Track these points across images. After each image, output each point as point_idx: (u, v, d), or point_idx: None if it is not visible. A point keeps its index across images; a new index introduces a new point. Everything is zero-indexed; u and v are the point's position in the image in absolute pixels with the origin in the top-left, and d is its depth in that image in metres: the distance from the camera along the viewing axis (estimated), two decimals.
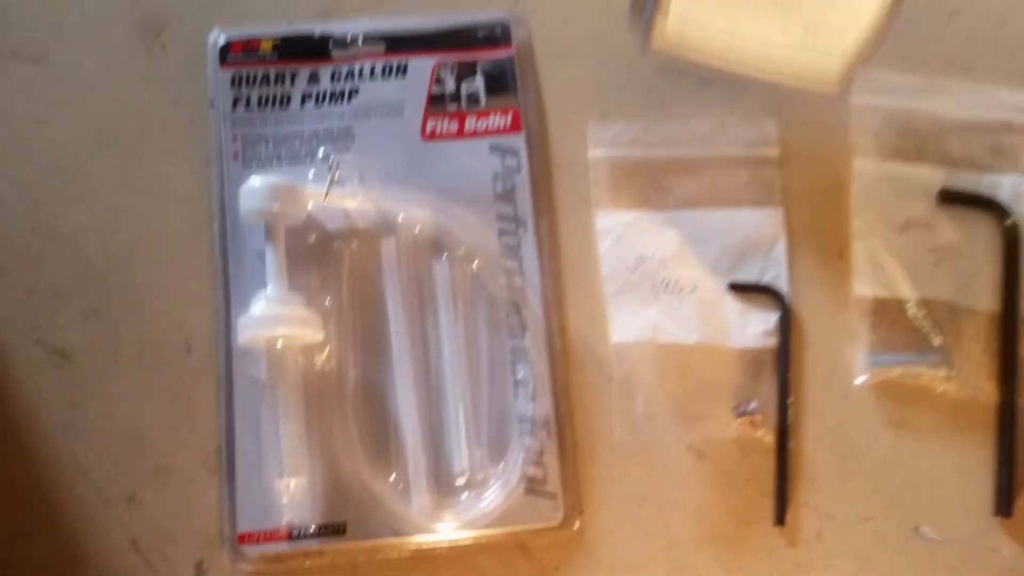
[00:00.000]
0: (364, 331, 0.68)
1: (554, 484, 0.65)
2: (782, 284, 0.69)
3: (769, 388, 0.67)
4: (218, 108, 0.71)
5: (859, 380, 0.68)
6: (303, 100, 0.71)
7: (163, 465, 0.66)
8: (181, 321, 0.69)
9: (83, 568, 0.65)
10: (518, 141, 0.71)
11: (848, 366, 0.68)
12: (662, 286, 0.68)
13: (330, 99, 0.71)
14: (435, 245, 0.69)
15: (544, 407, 0.66)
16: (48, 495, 0.66)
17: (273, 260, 0.65)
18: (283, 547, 0.64)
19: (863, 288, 0.69)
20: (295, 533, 0.64)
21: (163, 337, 0.68)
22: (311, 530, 0.64)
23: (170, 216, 0.71)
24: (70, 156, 0.71)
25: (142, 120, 0.72)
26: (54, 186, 0.71)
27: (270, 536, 0.64)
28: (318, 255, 0.69)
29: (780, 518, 0.66)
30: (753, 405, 0.66)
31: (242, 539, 0.64)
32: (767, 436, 0.67)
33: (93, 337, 0.69)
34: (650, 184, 0.71)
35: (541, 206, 0.70)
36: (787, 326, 0.67)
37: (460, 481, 0.65)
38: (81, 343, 0.68)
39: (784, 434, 0.66)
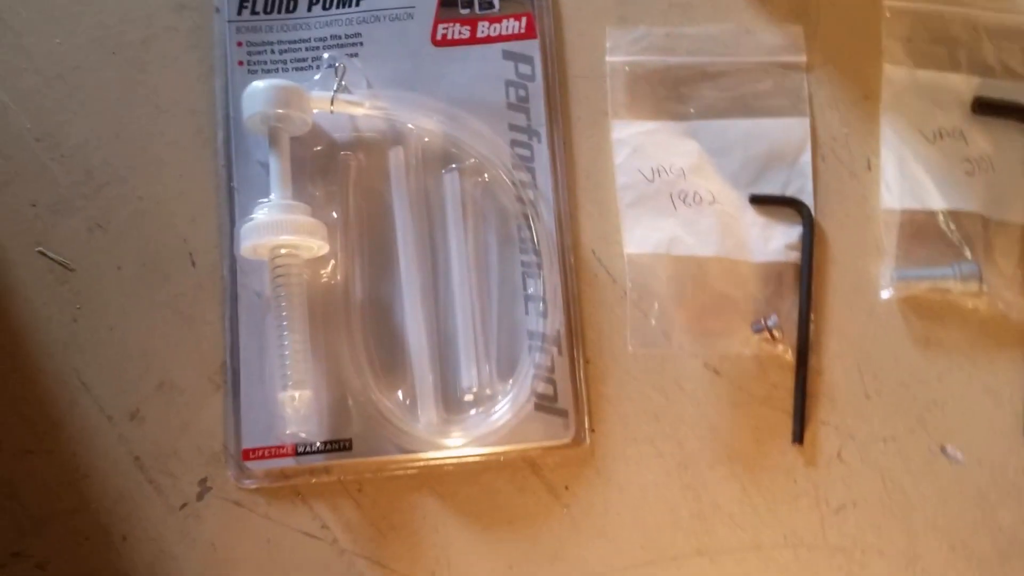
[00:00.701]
0: (371, 244, 0.64)
1: (565, 401, 0.62)
2: (806, 197, 0.65)
3: (790, 304, 0.63)
4: (223, 14, 0.68)
5: (885, 295, 0.64)
6: (310, 4, 0.68)
7: (166, 381, 0.64)
8: (185, 234, 0.66)
9: (85, 486, 0.62)
10: (532, 47, 0.67)
11: (874, 281, 0.65)
12: (680, 198, 0.64)
13: (338, 3, 0.68)
14: (445, 156, 0.65)
15: (555, 323, 0.63)
16: (50, 412, 0.63)
17: (277, 167, 0.62)
18: (288, 463, 0.62)
19: (891, 200, 0.65)
20: (300, 449, 0.61)
21: (167, 250, 0.65)
22: (317, 446, 0.62)
23: (174, 127, 0.67)
24: (73, 66, 0.68)
25: (146, 28, 0.69)
26: (57, 97, 0.68)
27: (275, 452, 0.62)
28: (324, 166, 0.65)
29: (798, 436, 0.62)
30: (773, 320, 0.62)
31: (247, 455, 0.62)
32: (787, 353, 0.63)
33: (96, 250, 0.66)
34: (670, 92, 0.67)
35: (555, 116, 0.66)
36: (811, 239, 0.63)
37: (468, 397, 0.62)
38: (84, 257, 0.65)
39: (805, 351, 0.63)
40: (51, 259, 0.65)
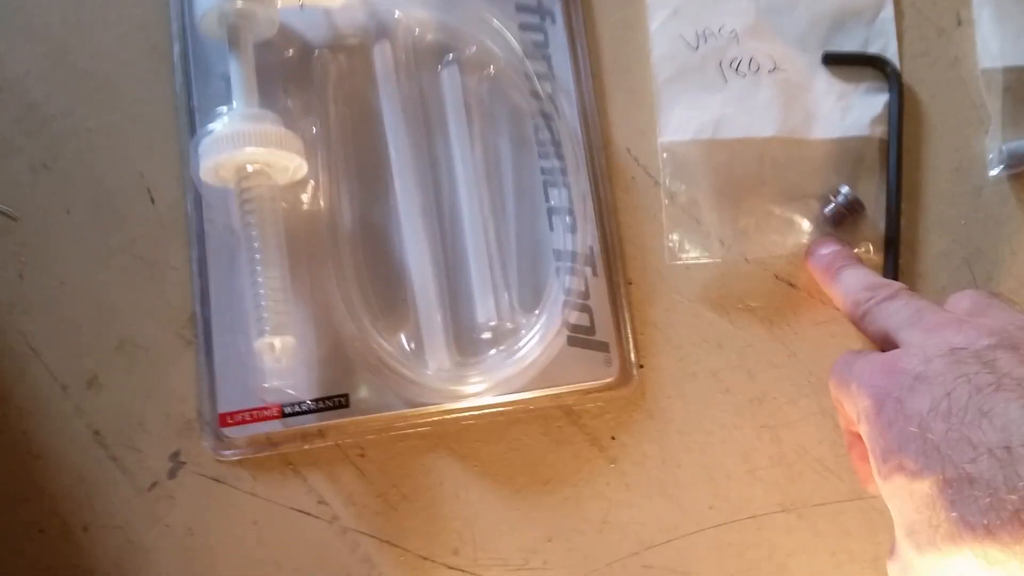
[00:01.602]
0: (359, 162, 0.54)
1: (604, 332, 0.52)
2: (890, 58, 0.52)
3: (875, 190, 0.52)
4: None
5: (994, 173, 0.53)
6: None
7: (128, 339, 0.54)
8: (142, 167, 0.56)
9: (38, 468, 0.53)
10: None
11: (979, 157, 0.54)
12: (732, 67, 0.52)
13: None
14: (440, 48, 0.55)
15: (587, 238, 0.52)
16: None
17: (239, 72, 0.51)
18: (275, 427, 0.51)
19: (991, 58, 0.54)
20: (288, 410, 0.50)
21: (122, 187, 0.56)
22: (307, 405, 0.51)
23: (124, 45, 0.57)
24: None
25: None
26: None
27: (258, 415, 0.51)
28: (298, 73, 0.55)
29: None
30: (845, 191, 0.51)
31: (224, 421, 0.51)
32: (871, 252, 0.51)
33: (42, 194, 0.56)
34: None
35: None
36: (900, 108, 0.51)
37: (486, 335, 0.52)
38: (28, 202, 0.56)
39: (896, 247, 0.51)
40: None
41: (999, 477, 0.32)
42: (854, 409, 0.39)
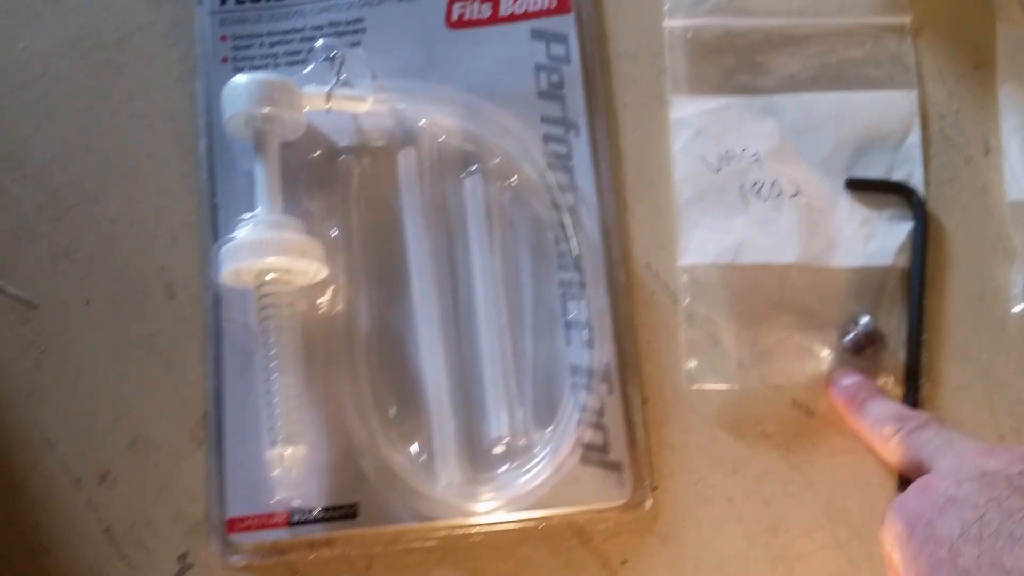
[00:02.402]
0: (379, 266, 0.53)
1: (619, 452, 0.50)
2: (916, 186, 0.51)
3: (897, 320, 0.50)
4: (205, 5, 0.57)
5: (1018, 308, 0.51)
6: None
7: (141, 436, 0.53)
8: (163, 261, 0.55)
9: (48, 562, 0.52)
10: (567, 23, 0.55)
11: (1002, 290, 0.51)
12: (754, 191, 0.51)
13: None
14: (465, 157, 0.54)
15: (604, 355, 0.50)
16: (9, 472, 0.53)
17: (264, 176, 0.51)
18: (282, 535, 0.50)
19: (1019, 191, 0.52)
20: (296, 518, 0.49)
21: (141, 281, 0.55)
22: (315, 514, 0.50)
23: (150, 137, 0.57)
24: (39, 73, 0.58)
25: (121, 26, 0.59)
26: (20, 109, 0.58)
27: (266, 522, 0.50)
28: (322, 175, 0.54)
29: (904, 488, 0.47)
30: (865, 321, 0.49)
31: (232, 526, 0.50)
32: (892, 384, 0.50)
33: (62, 283, 0.55)
34: (742, 62, 0.54)
35: (596, 103, 0.55)
36: (924, 237, 0.49)
37: (499, 450, 0.50)
38: (48, 291, 0.55)
39: (916, 379, 0.49)
40: (10, 295, 0.55)
41: None
42: (889, 540, 0.38)
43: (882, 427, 0.43)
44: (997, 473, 0.36)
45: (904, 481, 0.47)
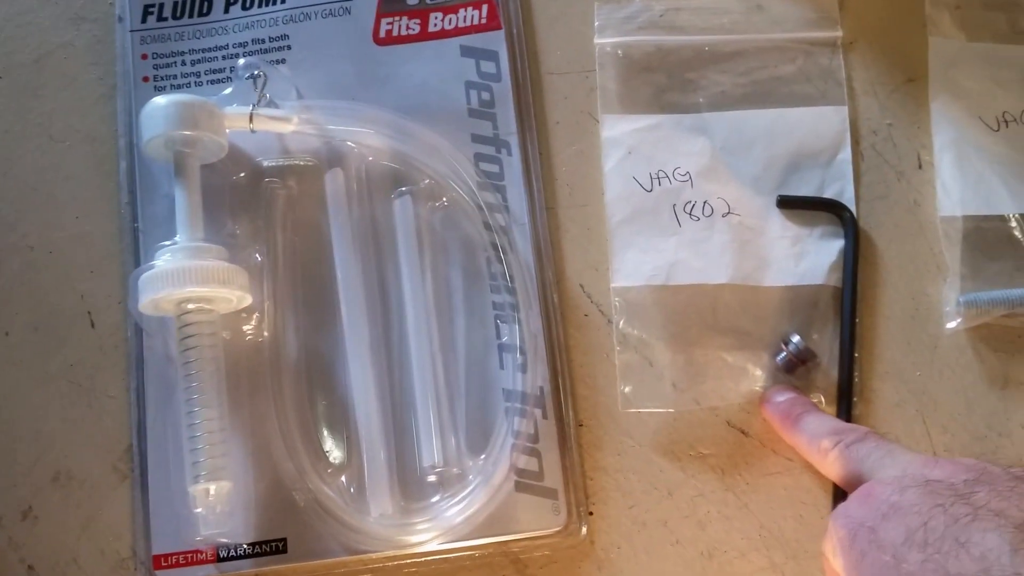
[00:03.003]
0: (306, 291, 0.51)
1: (553, 478, 0.48)
2: (847, 203, 0.51)
3: (829, 339, 0.49)
4: (126, 23, 0.55)
5: (951, 325, 0.50)
6: (227, 5, 0.55)
7: (63, 471, 0.51)
8: (83, 289, 0.53)
9: None
10: (497, 40, 0.54)
11: (935, 307, 0.51)
12: (686, 210, 0.50)
13: (260, 1, 0.54)
14: (394, 177, 0.52)
15: (538, 378, 0.49)
16: None
17: (184, 201, 0.49)
18: (210, 571, 0.48)
19: (951, 205, 0.51)
20: (223, 554, 0.47)
21: (62, 310, 0.53)
22: (243, 549, 0.48)
23: (69, 160, 0.55)
24: None
25: (38, 46, 0.57)
26: None
27: (192, 559, 0.48)
28: (246, 197, 0.52)
29: None
30: (796, 341, 0.48)
31: (159, 562, 0.48)
32: (824, 403, 0.49)
33: None
34: (673, 80, 0.53)
35: (528, 122, 0.53)
36: (855, 255, 0.48)
37: (432, 479, 0.49)
38: None
39: (848, 397, 0.49)
40: None
41: None
42: (831, 547, 0.37)
43: (819, 441, 0.43)
44: (941, 482, 0.35)
45: (840, 496, 0.47)
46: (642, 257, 0.50)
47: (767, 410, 0.48)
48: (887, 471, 0.38)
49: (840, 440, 0.42)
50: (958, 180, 0.50)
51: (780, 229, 0.50)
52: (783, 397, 0.47)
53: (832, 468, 0.42)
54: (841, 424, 0.44)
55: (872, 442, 0.41)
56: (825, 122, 0.51)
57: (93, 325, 0.52)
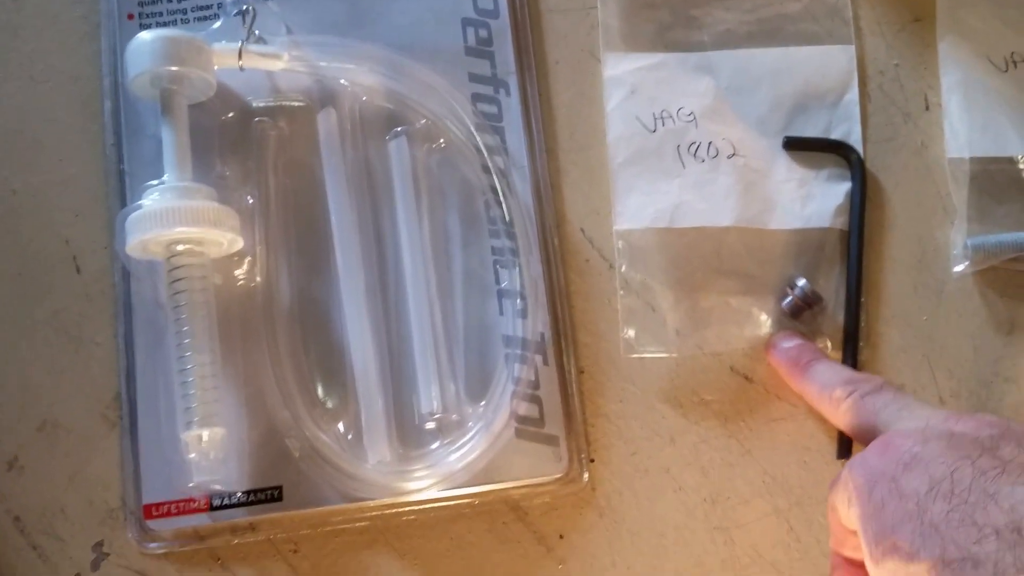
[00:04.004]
0: (299, 235, 0.50)
1: (554, 424, 0.47)
2: (854, 144, 0.50)
3: (835, 283, 0.48)
4: None
5: (958, 269, 0.49)
6: None
7: (50, 420, 0.49)
8: (68, 234, 0.51)
9: None
10: None
11: (943, 249, 0.50)
12: (690, 152, 0.48)
13: None
14: (389, 118, 0.50)
15: (538, 325, 0.48)
16: None
17: (171, 140, 0.47)
18: (202, 520, 0.47)
19: (958, 147, 0.50)
20: (217, 502, 0.46)
21: (46, 255, 0.51)
22: (238, 497, 0.47)
23: (52, 101, 0.53)
24: None
25: None
26: None
27: (184, 507, 0.47)
28: (236, 138, 0.50)
29: (845, 452, 0.47)
30: (802, 284, 0.47)
31: (148, 512, 0.47)
32: (830, 347, 0.48)
33: None
34: (677, 17, 0.51)
35: (527, 60, 0.52)
36: (862, 198, 0.47)
37: (430, 426, 0.48)
38: None
39: (855, 343, 0.47)
40: None
41: (1008, 558, 0.30)
42: (845, 498, 0.36)
43: (831, 391, 0.41)
44: (964, 435, 0.34)
45: (845, 444, 0.45)
46: (645, 200, 0.48)
47: (774, 357, 0.46)
48: (906, 423, 0.37)
49: (854, 390, 0.40)
50: (965, 121, 0.49)
51: (786, 171, 0.49)
52: (790, 343, 0.46)
53: (844, 418, 0.41)
54: (854, 373, 0.43)
55: (888, 394, 0.40)
56: (832, 62, 0.50)
57: (79, 271, 0.50)
